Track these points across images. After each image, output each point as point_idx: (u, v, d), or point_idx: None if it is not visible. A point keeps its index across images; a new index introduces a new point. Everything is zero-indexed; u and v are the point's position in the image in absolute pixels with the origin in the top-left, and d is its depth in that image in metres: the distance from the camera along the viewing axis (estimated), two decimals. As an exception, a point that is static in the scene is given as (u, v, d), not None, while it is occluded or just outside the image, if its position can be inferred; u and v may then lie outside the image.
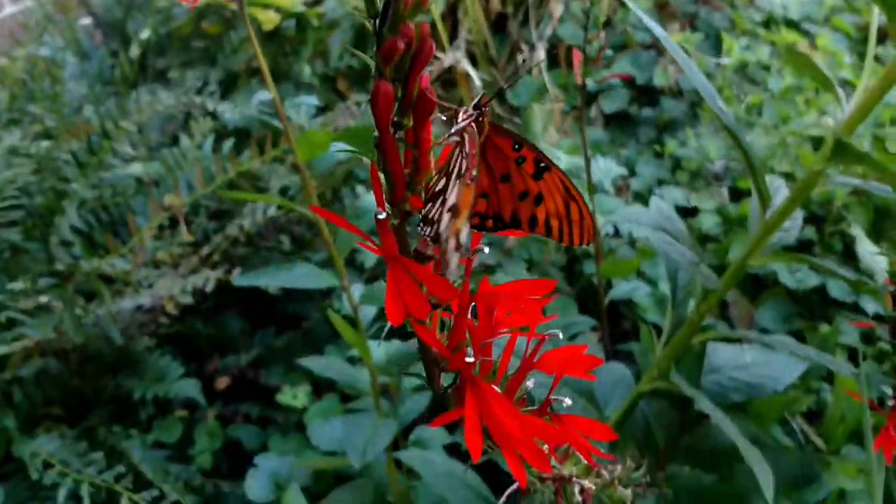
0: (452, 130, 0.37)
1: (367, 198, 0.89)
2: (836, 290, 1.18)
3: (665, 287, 1.17)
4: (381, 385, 0.97)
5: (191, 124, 1.37)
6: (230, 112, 1.22)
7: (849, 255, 1.21)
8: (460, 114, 0.37)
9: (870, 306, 1.15)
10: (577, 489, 0.48)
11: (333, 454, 1.11)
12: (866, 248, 1.15)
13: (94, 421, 1.27)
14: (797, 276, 1.18)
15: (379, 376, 0.96)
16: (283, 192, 1.34)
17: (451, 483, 0.87)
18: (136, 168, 1.32)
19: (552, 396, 0.42)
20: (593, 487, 0.48)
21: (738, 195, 1.40)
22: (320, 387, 1.27)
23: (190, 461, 1.26)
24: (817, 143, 1.34)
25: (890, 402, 0.74)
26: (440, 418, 0.37)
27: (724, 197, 1.32)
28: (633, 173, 1.47)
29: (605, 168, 1.25)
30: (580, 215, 0.40)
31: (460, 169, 0.35)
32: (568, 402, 0.42)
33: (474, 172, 0.35)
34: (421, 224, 0.36)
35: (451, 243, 0.33)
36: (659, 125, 1.60)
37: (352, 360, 1.20)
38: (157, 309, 1.19)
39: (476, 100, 0.37)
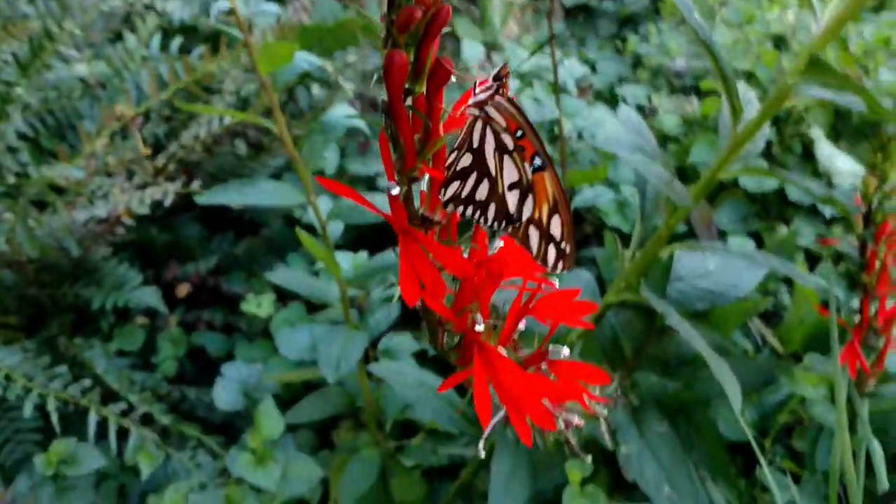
0: (471, 102, 0.35)
1: (334, 111, 0.87)
2: (795, 193, 1.20)
3: (627, 191, 1.18)
4: (350, 298, 0.97)
5: (134, 20, 1.30)
6: (180, 10, 1.16)
7: (807, 157, 1.23)
8: (478, 86, 0.35)
9: (828, 210, 1.17)
10: (562, 422, 0.50)
11: (302, 363, 1.11)
12: (825, 151, 1.16)
13: (54, 330, 1.25)
14: (757, 180, 1.19)
15: (348, 289, 0.96)
16: (237, 94, 1.30)
17: (423, 393, 0.89)
18: (81, 69, 1.26)
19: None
20: (581, 423, 0.49)
21: (699, 93, 1.39)
22: (285, 294, 1.26)
23: (154, 369, 1.26)
24: (778, 41, 1.34)
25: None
26: (449, 381, 0.37)
27: (687, 100, 1.32)
28: (593, 70, 1.45)
29: (569, 68, 1.23)
30: (562, 235, 0.37)
31: (501, 145, 0.34)
32: (566, 351, 0.42)
33: (539, 162, 0.34)
34: (451, 202, 0.35)
35: (534, 235, 0.33)
36: (620, 19, 1.57)
37: (317, 273, 1.20)
38: (112, 219, 1.16)
39: (497, 70, 0.36)
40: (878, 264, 0.70)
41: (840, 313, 0.74)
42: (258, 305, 1.20)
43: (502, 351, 0.38)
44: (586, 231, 1.28)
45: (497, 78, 0.35)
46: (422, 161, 0.33)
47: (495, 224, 0.36)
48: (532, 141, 0.36)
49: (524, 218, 0.36)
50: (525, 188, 0.36)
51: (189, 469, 1.07)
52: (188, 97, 1.22)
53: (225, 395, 1.13)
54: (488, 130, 0.35)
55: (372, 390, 1.02)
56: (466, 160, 0.35)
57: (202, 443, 1.12)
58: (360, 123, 0.93)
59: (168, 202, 1.06)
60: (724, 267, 0.95)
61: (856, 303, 1.03)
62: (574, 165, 1.23)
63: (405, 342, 1.05)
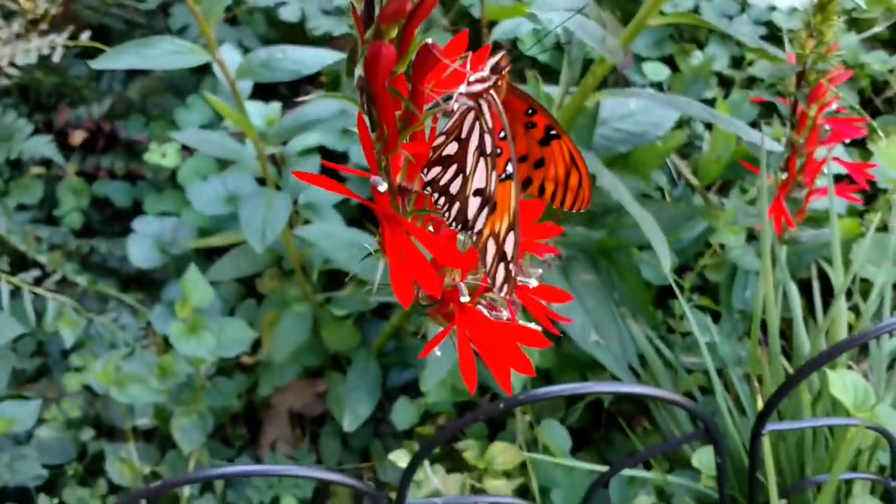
0: (462, 92, 0.32)
1: None
2: (710, 11, 1.18)
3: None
4: (267, 155, 0.93)
5: None
6: None
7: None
8: (471, 75, 0.32)
9: (745, 29, 1.16)
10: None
11: (218, 217, 1.08)
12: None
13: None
14: (673, 1, 1.17)
15: (266, 147, 0.91)
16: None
17: (354, 253, 0.88)
18: None
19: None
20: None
21: None
22: (190, 140, 1.20)
23: (58, 223, 1.20)
24: None
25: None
26: (432, 342, 0.36)
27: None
28: None
29: None
30: (579, 184, 0.38)
31: (482, 146, 0.31)
32: (534, 282, 0.41)
33: (510, 169, 0.31)
34: (428, 188, 0.33)
35: (491, 248, 0.31)
36: None
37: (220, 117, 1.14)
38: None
39: (494, 61, 0.32)
40: (808, 123, 0.71)
41: (770, 169, 0.76)
42: (163, 155, 1.14)
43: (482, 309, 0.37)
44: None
45: (495, 69, 0.32)
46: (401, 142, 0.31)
47: (453, 224, 0.34)
48: (509, 147, 0.33)
49: (476, 229, 0.33)
50: (486, 198, 0.33)
51: (113, 331, 1.05)
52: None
53: (139, 251, 1.09)
54: (476, 125, 0.33)
55: (297, 245, 1.00)
56: (452, 148, 0.33)
57: (122, 301, 1.10)
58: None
59: (57, 58, 0.96)
60: (646, 107, 0.95)
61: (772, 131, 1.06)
62: None
63: (326, 196, 1.03)
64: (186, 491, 0.97)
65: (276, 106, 1.01)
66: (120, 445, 0.99)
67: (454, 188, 0.33)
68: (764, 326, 0.79)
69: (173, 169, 1.16)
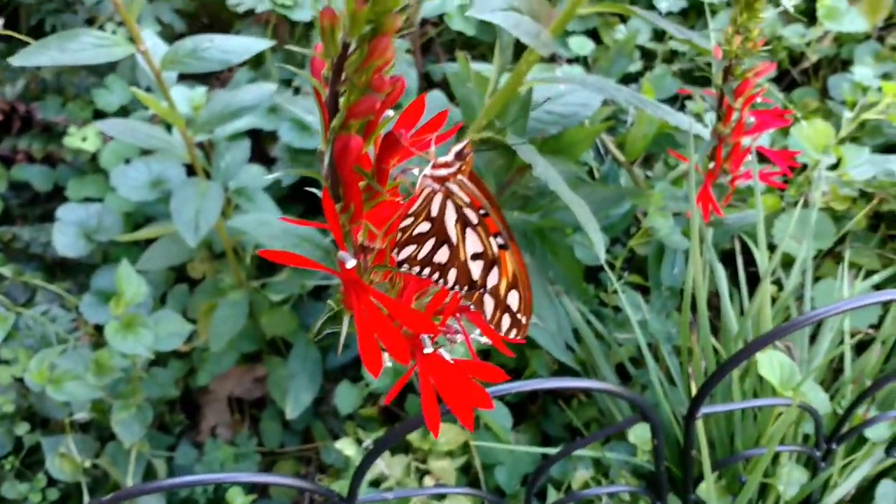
0: (427, 175, 0.33)
1: None
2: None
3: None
4: (196, 143, 0.91)
5: None
6: None
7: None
8: (434, 160, 0.33)
9: (663, 4, 1.18)
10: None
11: (144, 203, 1.06)
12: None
13: None
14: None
15: (194, 135, 0.90)
16: None
17: (289, 241, 0.88)
18: None
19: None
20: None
21: None
22: (111, 121, 1.16)
23: (-27, 211, 1.16)
24: None
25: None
26: (395, 390, 0.37)
27: None
28: None
29: None
30: (518, 311, 0.37)
31: (464, 219, 0.34)
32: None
33: (498, 242, 0.34)
34: (406, 266, 0.35)
35: (490, 302, 0.35)
36: None
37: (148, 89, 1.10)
38: None
39: (460, 147, 0.33)
40: (734, 115, 0.74)
41: (697, 155, 0.78)
42: (83, 139, 1.10)
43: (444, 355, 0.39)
44: (430, 34, 1.23)
45: (459, 155, 0.33)
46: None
47: (456, 287, 0.36)
48: (494, 220, 0.35)
49: (489, 286, 0.36)
50: (490, 261, 0.36)
51: (43, 323, 1.03)
52: None
53: (64, 239, 1.06)
54: (449, 203, 0.34)
55: (229, 230, 0.99)
56: (424, 227, 0.35)
57: (49, 290, 1.07)
58: None
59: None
60: (574, 88, 0.96)
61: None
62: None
63: (257, 174, 1.02)
64: (130, 481, 0.96)
65: (201, 91, 0.98)
66: (57, 438, 0.98)
67: (441, 258, 0.35)
68: (692, 301, 0.83)
69: (94, 152, 1.12)
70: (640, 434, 0.82)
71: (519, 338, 0.38)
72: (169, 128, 0.98)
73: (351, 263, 0.31)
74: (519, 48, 0.88)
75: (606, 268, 0.88)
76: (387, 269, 0.36)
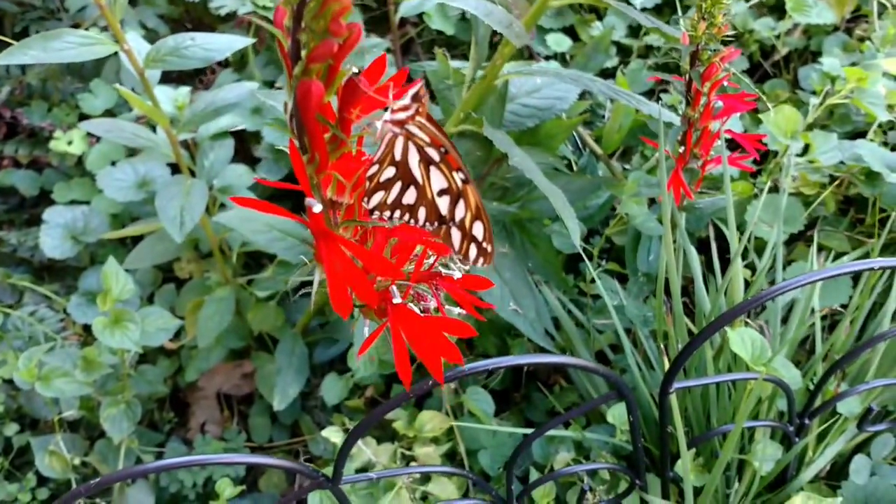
0: (388, 119, 0.35)
1: None
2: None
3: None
4: (181, 141, 0.93)
5: None
6: None
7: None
8: (393, 104, 0.35)
9: (638, 1, 1.21)
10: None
11: (130, 203, 1.07)
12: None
13: None
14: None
15: (178, 134, 0.91)
16: None
17: (273, 236, 0.90)
18: None
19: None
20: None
21: None
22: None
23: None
24: None
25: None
26: (367, 342, 0.39)
27: None
28: None
29: None
30: (483, 239, 0.40)
31: (427, 158, 0.36)
32: (458, 274, 0.45)
33: (460, 177, 0.36)
34: (376, 212, 0.38)
35: (457, 234, 0.38)
36: None
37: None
38: None
39: (414, 90, 0.35)
40: (702, 100, 0.76)
41: (668, 141, 0.80)
42: (69, 143, 1.12)
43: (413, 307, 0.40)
44: (409, 33, 1.25)
45: (415, 97, 0.35)
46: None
47: (427, 224, 0.39)
48: (454, 158, 0.37)
49: (458, 219, 0.39)
50: (456, 194, 0.38)
51: (31, 324, 1.04)
52: None
53: (51, 242, 1.08)
54: (411, 145, 0.36)
55: (214, 228, 1.01)
56: (390, 172, 0.37)
57: (37, 292, 1.09)
58: None
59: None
60: (550, 81, 0.99)
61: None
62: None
63: (242, 174, 1.03)
64: (118, 478, 0.97)
65: (184, 90, 1.00)
66: (46, 437, 0.99)
67: (409, 199, 0.38)
68: (667, 286, 0.85)
69: (80, 156, 1.14)
70: (618, 414, 0.84)
71: (486, 265, 0.40)
72: (154, 128, 1.00)
73: (318, 208, 0.33)
74: (495, 43, 0.90)
75: (585, 257, 0.90)
76: (356, 224, 0.38)
